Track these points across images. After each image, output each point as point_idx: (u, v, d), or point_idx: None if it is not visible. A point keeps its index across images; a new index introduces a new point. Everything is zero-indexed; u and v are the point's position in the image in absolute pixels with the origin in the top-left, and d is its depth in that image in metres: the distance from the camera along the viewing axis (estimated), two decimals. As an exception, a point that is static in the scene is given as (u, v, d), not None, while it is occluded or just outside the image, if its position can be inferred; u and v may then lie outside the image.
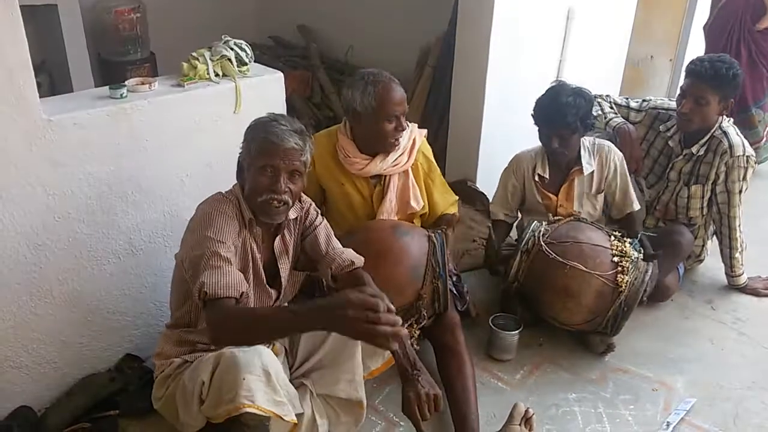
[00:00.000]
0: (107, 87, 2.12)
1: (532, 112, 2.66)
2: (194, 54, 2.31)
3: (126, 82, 2.16)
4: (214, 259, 1.67)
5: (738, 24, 3.83)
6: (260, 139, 1.78)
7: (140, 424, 2.12)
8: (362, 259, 1.99)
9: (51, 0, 3.81)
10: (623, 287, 2.38)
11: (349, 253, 1.98)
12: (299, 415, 1.82)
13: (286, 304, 2.10)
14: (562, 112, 2.54)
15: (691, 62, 2.76)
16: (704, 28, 4.07)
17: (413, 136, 2.46)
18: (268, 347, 1.80)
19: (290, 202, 1.81)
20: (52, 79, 4.12)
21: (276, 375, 1.63)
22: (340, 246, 2.01)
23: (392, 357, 1.89)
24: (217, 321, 1.62)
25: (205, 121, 2.26)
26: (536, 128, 2.70)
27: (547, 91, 2.65)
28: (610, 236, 2.53)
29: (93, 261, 2.15)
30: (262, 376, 1.60)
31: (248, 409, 1.57)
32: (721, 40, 3.88)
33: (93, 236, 2.12)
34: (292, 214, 1.93)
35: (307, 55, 4.82)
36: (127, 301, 2.28)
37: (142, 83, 2.18)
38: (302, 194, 2.02)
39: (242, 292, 1.68)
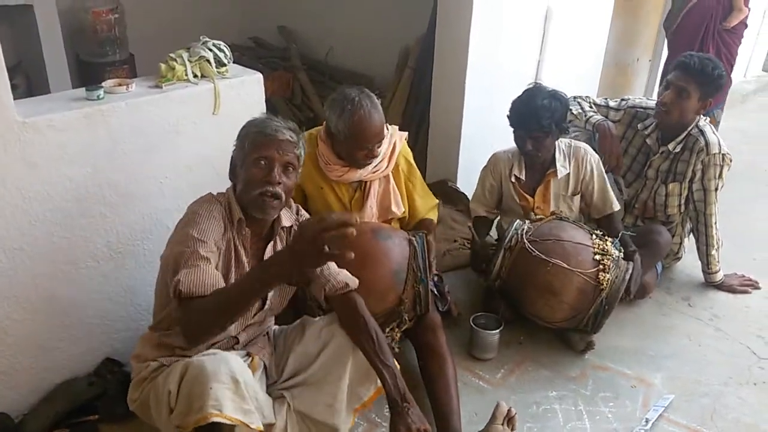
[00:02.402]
0: (84, 88, 2.10)
1: (508, 113, 2.68)
2: (172, 55, 2.29)
3: (103, 84, 2.14)
4: (194, 257, 1.66)
5: (711, 22, 3.93)
6: (254, 134, 1.78)
7: (120, 429, 2.10)
8: (356, 281, 1.94)
9: (27, 0, 3.75)
10: (604, 285, 2.41)
11: (344, 275, 1.92)
12: (270, 426, 1.80)
13: (273, 318, 2.07)
14: (536, 115, 2.56)
15: (682, 55, 2.82)
16: (666, 27, 4.15)
17: (393, 140, 2.45)
18: (245, 362, 1.80)
19: (283, 197, 1.78)
20: (29, 80, 4.05)
21: (245, 382, 1.60)
22: (335, 266, 1.93)
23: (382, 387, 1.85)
24: (185, 318, 1.61)
25: (183, 122, 2.25)
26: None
27: (522, 93, 2.67)
28: (591, 235, 2.55)
29: (71, 265, 2.13)
30: (230, 384, 1.57)
31: (216, 419, 1.54)
32: (690, 38, 3.97)
33: (70, 240, 2.10)
34: (286, 222, 1.89)
35: (287, 57, 4.82)
36: (106, 304, 2.26)
37: (120, 84, 2.16)
38: (299, 207, 2.01)
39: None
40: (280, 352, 1.99)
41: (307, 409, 1.87)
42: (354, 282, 1.94)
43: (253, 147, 1.77)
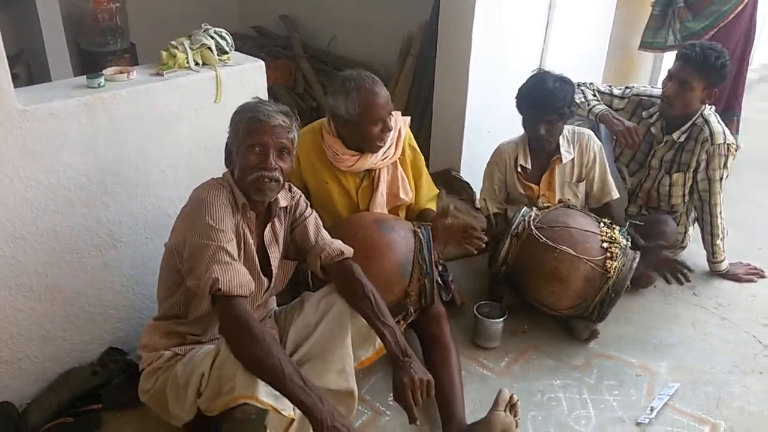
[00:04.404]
0: (84, 77, 2.08)
1: (516, 99, 2.64)
2: (173, 43, 2.27)
3: (104, 72, 2.13)
4: (221, 253, 1.68)
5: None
6: (247, 119, 1.79)
7: (123, 418, 2.10)
8: (352, 250, 1.98)
9: (28, -11, 3.74)
10: (612, 273, 2.39)
11: (339, 244, 1.97)
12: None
13: (275, 295, 2.10)
14: (550, 97, 2.53)
15: (683, 46, 2.78)
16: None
17: (398, 126, 2.43)
18: None
19: (281, 180, 1.81)
20: (30, 69, 4.04)
21: None
22: (330, 237, 2.00)
23: (383, 347, 1.89)
24: (235, 323, 1.63)
25: (185, 110, 2.23)
26: (519, 117, 2.70)
27: (530, 78, 2.64)
28: (599, 222, 2.53)
29: (73, 254, 2.12)
30: None
31: (247, 401, 1.56)
32: None
33: (72, 229, 2.09)
34: (282, 202, 1.92)
35: (289, 45, 4.78)
36: (109, 293, 2.25)
37: (120, 72, 2.15)
38: (292, 185, 2.02)
39: (252, 291, 1.70)
40: (281, 328, 2.01)
41: (320, 382, 1.86)
42: (349, 251, 1.97)
43: (247, 133, 1.77)
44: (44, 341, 2.14)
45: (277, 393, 1.60)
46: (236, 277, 1.66)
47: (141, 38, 4.35)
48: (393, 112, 2.37)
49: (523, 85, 2.64)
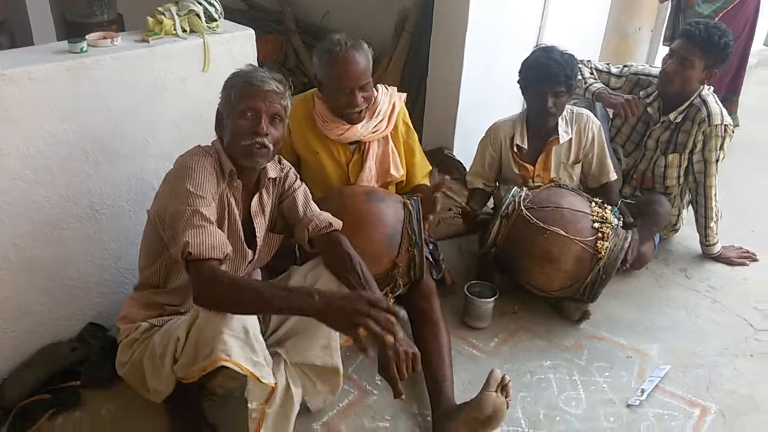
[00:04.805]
0: (66, 41, 2.00)
1: (521, 72, 2.58)
2: (160, 9, 2.19)
3: (87, 37, 2.05)
4: (196, 217, 1.63)
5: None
6: (240, 83, 1.75)
7: (103, 395, 2.05)
8: (340, 222, 1.95)
9: (11, -43, 3.63)
10: (603, 254, 2.36)
11: (327, 216, 1.94)
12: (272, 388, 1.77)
13: (259, 268, 2.06)
14: (558, 68, 2.48)
15: (687, 23, 2.74)
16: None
17: (393, 101, 2.39)
18: None
19: (271, 147, 1.76)
20: (14, 40, 3.94)
21: (254, 335, 1.59)
22: (318, 209, 1.97)
23: None
24: (204, 283, 1.58)
25: (171, 78, 2.16)
26: (517, 94, 2.64)
27: (535, 51, 2.58)
28: (591, 202, 2.49)
29: (52, 225, 2.05)
30: (241, 333, 1.56)
31: (225, 364, 1.52)
32: None
33: (52, 199, 2.02)
34: (271, 173, 1.88)
35: (281, 20, 4.69)
36: (90, 267, 2.19)
37: (104, 38, 2.07)
38: (282, 158, 1.98)
39: (226, 254, 1.64)
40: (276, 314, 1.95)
41: (304, 358, 1.84)
42: (338, 223, 1.94)
43: (240, 98, 1.73)
44: (22, 315, 2.07)
45: (257, 360, 1.57)
46: (207, 239, 1.60)
47: (128, 8, 4.24)
48: (388, 88, 2.31)
49: (529, 57, 2.58)
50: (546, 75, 2.50)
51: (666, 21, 4.03)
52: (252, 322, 1.62)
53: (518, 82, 2.62)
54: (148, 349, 1.73)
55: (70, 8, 4.18)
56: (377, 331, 1.44)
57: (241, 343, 1.56)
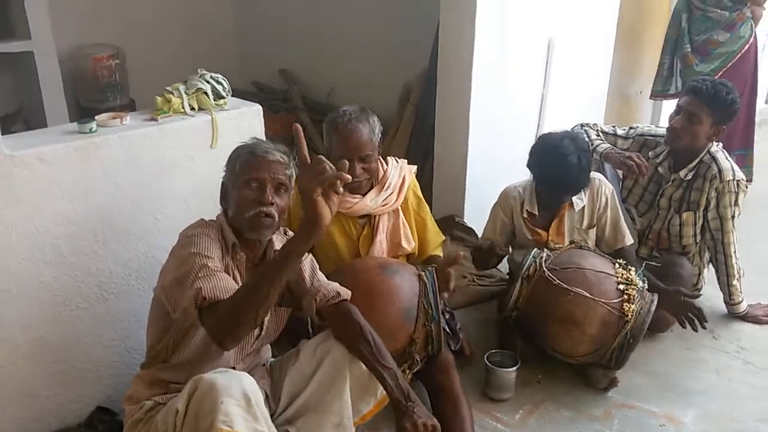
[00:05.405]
0: (76, 122, 2.03)
1: (536, 177, 2.62)
2: (169, 88, 2.24)
3: (96, 117, 2.08)
4: (204, 270, 1.60)
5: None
6: (245, 155, 1.76)
7: (111, 483, 1.96)
8: (349, 292, 1.90)
9: (27, 47, 3.75)
10: (629, 316, 2.27)
11: (335, 285, 1.89)
12: None
13: (269, 348, 2.00)
14: (572, 175, 2.51)
15: (693, 80, 2.76)
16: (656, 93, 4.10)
17: (403, 174, 2.38)
18: None
19: (277, 217, 1.74)
20: (29, 127, 4.03)
21: (257, 403, 1.52)
22: (325, 279, 1.92)
23: (385, 396, 1.77)
24: (221, 319, 1.55)
25: (180, 156, 2.17)
26: (523, 162, 2.64)
27: (544, 150, 2.58)
28: (614, 264, 2.43)
29: (60, 306, 2.02)
30: (242, 401, 1.49)
31: None
32: None
33: (60, 279, 2.00)
34: (278, 245, 1.85)
35: (289, 99, 4.80)
36: (98, 349, 2.14)
37: (114, 117, 2.10)
38: (288, 229, 1.96)
39: None
40: (276, 378, 1.89)
41: None
42: (346, 293, 1.89)
43: (245, 169, 1.73)
44: (29, 400, 2.01)
45: (260, 428, 1.50)
46: (219, 283, 1.58)
47: (141, 95, 4.36)
48: (398, 161, 2.32)
49: (540, 159, 2.59)
50: (559, 185, 2.56)
51: (655, 76, 4.07)
52: (253, 388, 1.55)
53: (527, 166, 2.63)
54: (151, 428, 1.65)
55: (84, 94, 4.32)
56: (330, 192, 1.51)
57: (243, 412, 1.49)
